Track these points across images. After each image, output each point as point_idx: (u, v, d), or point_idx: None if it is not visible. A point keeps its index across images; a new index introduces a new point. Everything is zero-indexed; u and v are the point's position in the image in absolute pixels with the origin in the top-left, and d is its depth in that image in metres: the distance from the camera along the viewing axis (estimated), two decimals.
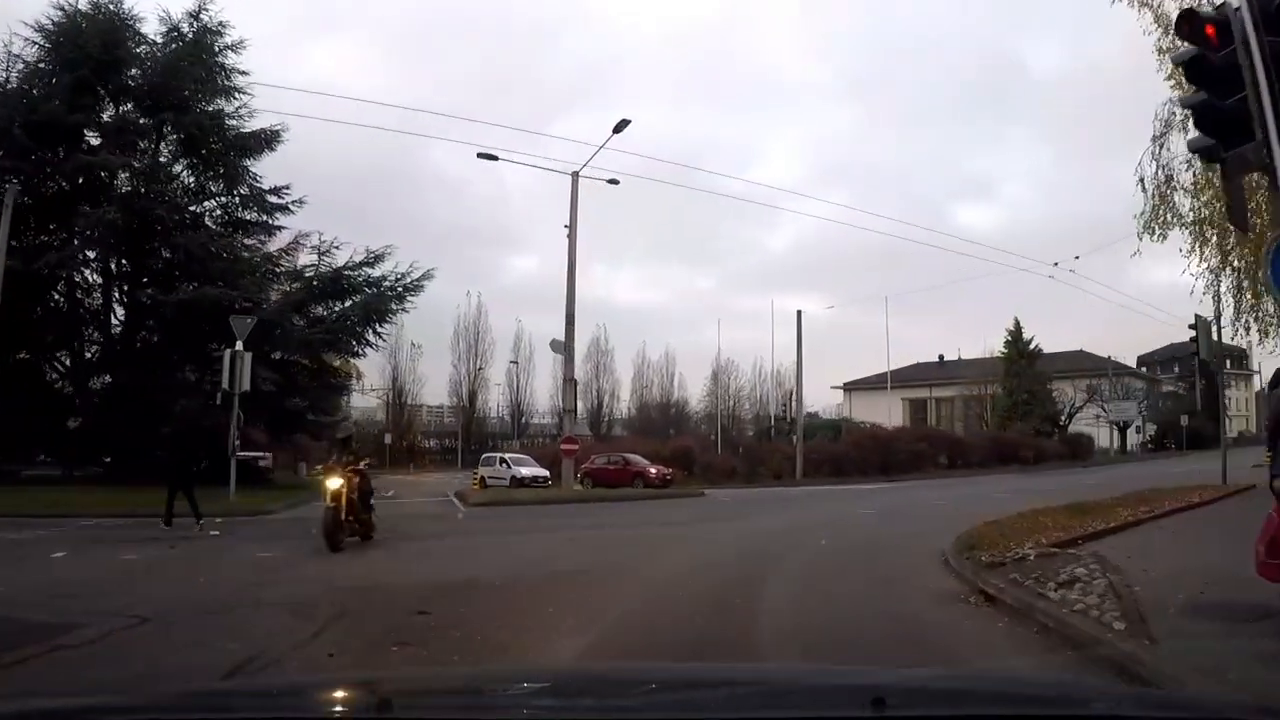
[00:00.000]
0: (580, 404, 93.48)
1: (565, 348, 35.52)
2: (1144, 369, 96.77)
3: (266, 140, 40.39)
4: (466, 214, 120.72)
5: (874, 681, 2.91)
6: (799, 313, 49.12)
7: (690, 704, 2.68)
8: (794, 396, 49.78)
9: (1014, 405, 71.31)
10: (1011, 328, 75.21)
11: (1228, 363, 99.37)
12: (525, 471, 44.75)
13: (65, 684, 5.56)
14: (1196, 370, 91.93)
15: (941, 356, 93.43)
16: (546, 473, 43.70)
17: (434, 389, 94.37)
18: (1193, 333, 29.48)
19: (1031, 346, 74.26)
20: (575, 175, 35.01)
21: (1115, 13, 24.52)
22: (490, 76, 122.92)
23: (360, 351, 44.81)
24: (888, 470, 47.55)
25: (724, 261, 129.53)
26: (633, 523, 22.57)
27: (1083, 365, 77.10)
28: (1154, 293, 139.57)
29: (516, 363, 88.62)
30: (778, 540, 17.01)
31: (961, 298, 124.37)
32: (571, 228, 35.41)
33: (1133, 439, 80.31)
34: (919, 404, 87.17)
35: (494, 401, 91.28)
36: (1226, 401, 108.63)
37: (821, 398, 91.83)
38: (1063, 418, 72.63)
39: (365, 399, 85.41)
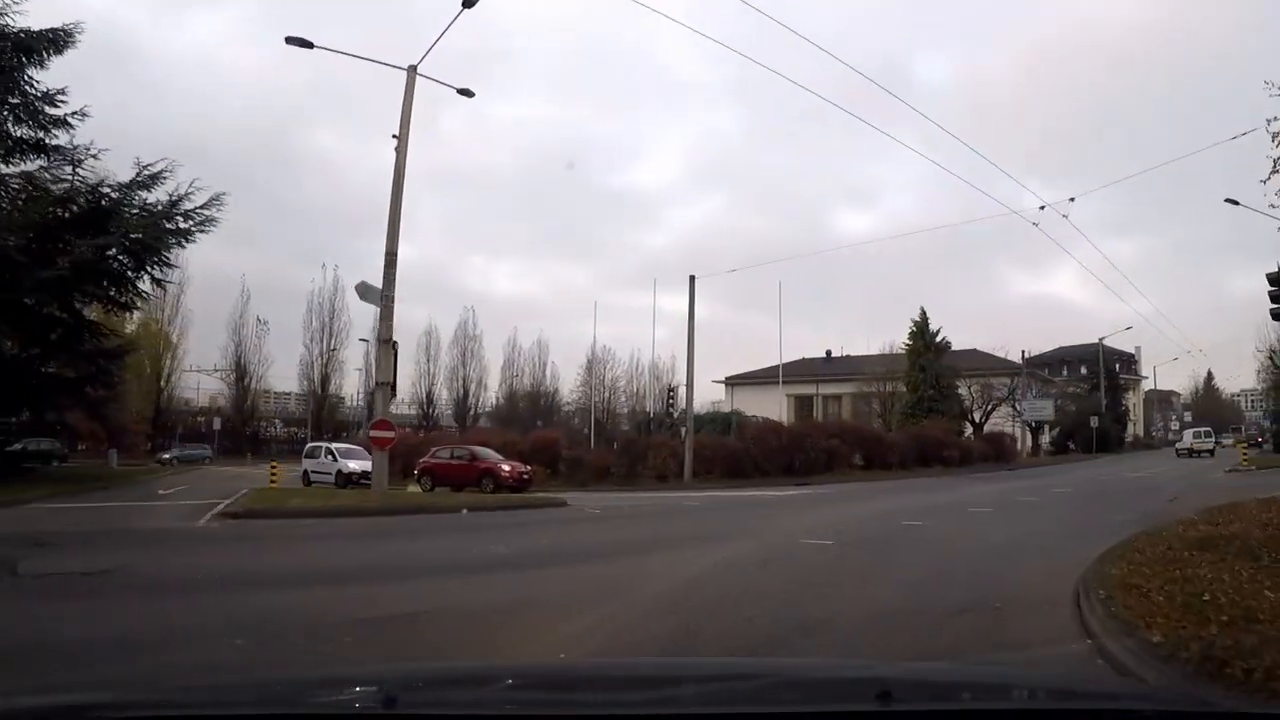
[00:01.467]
0: (445, 392, 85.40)
1: (382, 297, 25.89)
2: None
3: (53, 42, 30.94)
4: (344, 199, 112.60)
5: (880, 675, 2.98)
6: (692, 278, 40.54)
7: (696, 698, 2.67)
8: (688, 373, 40.84)
9: (919, 401, 64.05)
10: (918, 318, 67.89)
11: (1118, 366, 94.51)
12: (354, 466, 36.18)
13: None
14: (1101, 371, 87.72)
15: (829, 352, 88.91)
16: None
17: (286, 372, 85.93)
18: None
19: (939, 339, 66.98)
20: (412, 70, 25.94)
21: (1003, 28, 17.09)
22: (368, 63, 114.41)
23: (131, 301, 35.53)
24: (793, 471, 39.57)
25: (603, 257, 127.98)
26: (395, 570, 13.00)
27: (980, 365, 70.97)
28: (1038, 300, 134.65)
29: (367, 340, 78.45)
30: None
31: (845, 297, 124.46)
32: (402, 137, 26.06)
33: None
34: (805, 400, 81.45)
35: (351, 387, 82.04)
36: (1128, 406, 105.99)
37: (702, 393, 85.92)
38: (978, 416, 65.59)
39: (211, 380, 78.27)
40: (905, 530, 17.36)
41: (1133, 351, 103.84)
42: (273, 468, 37.84)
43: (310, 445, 43.89)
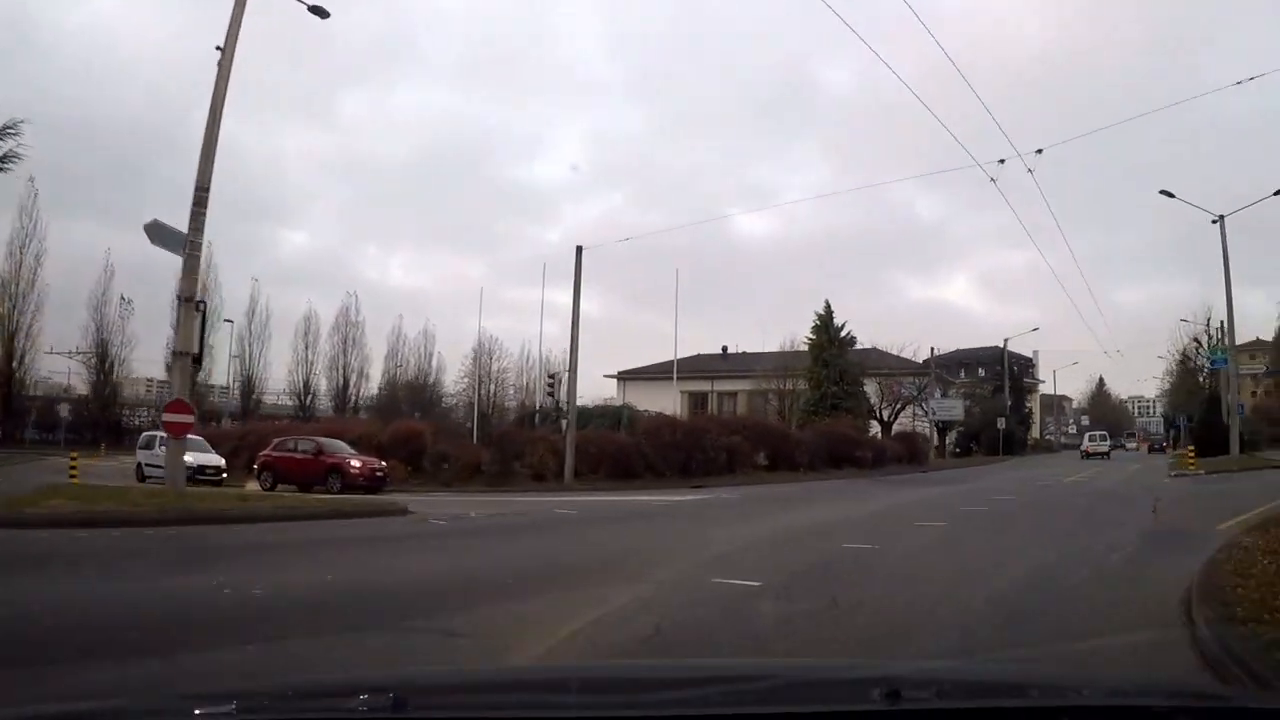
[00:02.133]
0: (324, 381, 79.84)
1: (185, 243, 20.10)
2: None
3: None
4: (239, 186, 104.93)
5: (888, 674, 3.04)
6: (578, 249, 35.37)
7: (706, 699, 2.68)
8: (571, 355, 35.55)
9: (822, 399, 59.88)
10: (821, 311, 63.58)
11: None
12: (192, 459, 30.20)
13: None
14: (1005, 373, 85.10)
15: (725, 348, 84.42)
16: (222, 461, 32.98)
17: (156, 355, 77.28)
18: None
19: (844, 333, 62.81)
20: None
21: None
22: (273, 48, 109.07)
23: None
24: (690, 471, 34.67)
25: (500, 250, 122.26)
26: None
27: (882, 364, 67.37)
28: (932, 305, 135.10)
29: (232, 321, 71.79)
30: None
31: (744, 297, 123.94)
32: (227, 50, 20.55)
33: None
34: (699, 397, 77.22)
35: (224, 375, 75.37)
36: (1030, 409, 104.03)
37: (592, 389, 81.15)
38: (886, 415, 61.61)
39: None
40: (854, 559, 12.43)
41: (1030, 356, 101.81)
42: (73, 458, 31.88)
43: (145, 435, 37.76)
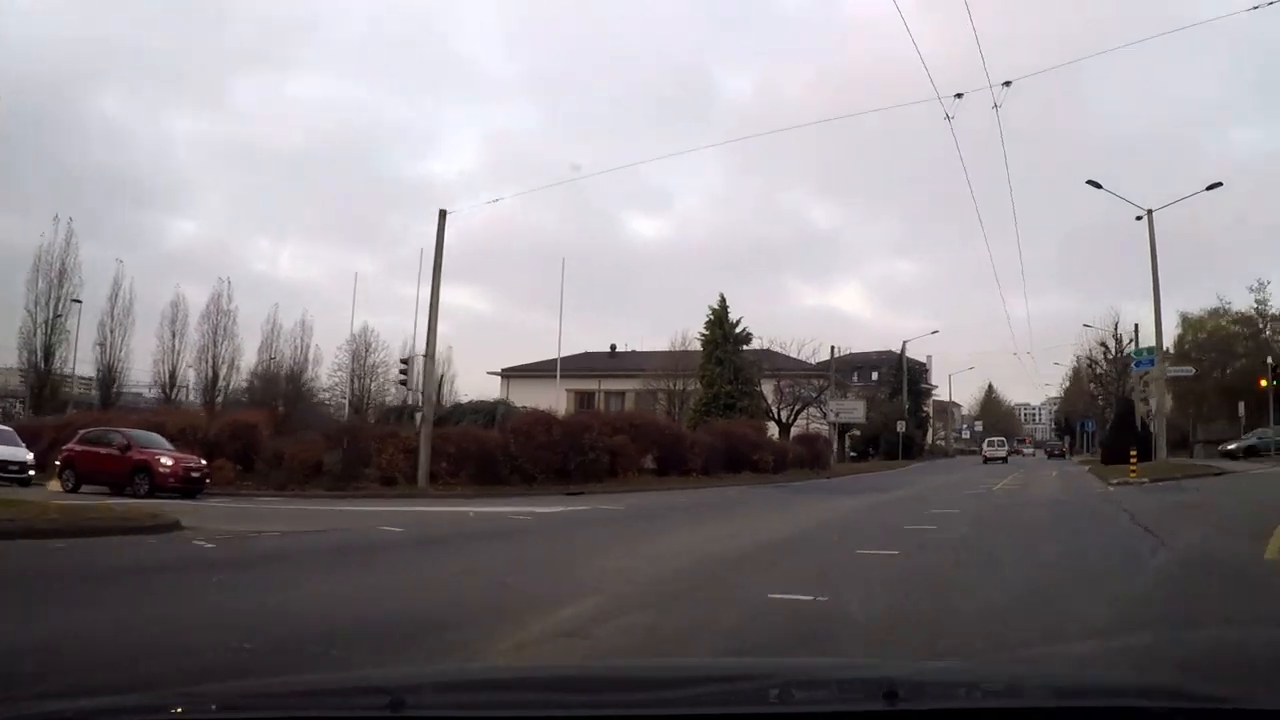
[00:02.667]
0: (192, 372, 73.47)
1: None
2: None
3: None
4: (122, 168, 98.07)
5: (887, 674, 3.00)
6: (442, 213, 30.17)
7: (703, 698, 2.68)
8: (429, 333, 30.47)
9: (715, 398, 55.54)
10: (716, 306, 59.13)
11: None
12: None
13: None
14: (904, 376, 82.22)
15: (614, 346, 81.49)
16: (30, 456, 28.22)
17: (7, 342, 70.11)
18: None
19: (740, 329, 58.44)
20: None
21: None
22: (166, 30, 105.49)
23: None
24: (568, 474, 29.76)
25: (391, 245, 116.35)
26: None
27: (778, 366, 63.56)
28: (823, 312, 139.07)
29: (80, 301, 63.96)
30: None
31: (636, 299, 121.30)
32: None
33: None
34: (586, 396, 73.10)
35: (87, 364, 68.01)
36: (928, 413, 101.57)
37: (477, 385, 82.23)
38: (785, 416, 57.48)
39: None
40: (800, 627, 7.54)
41: (925, 361, 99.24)
42: None
43: None
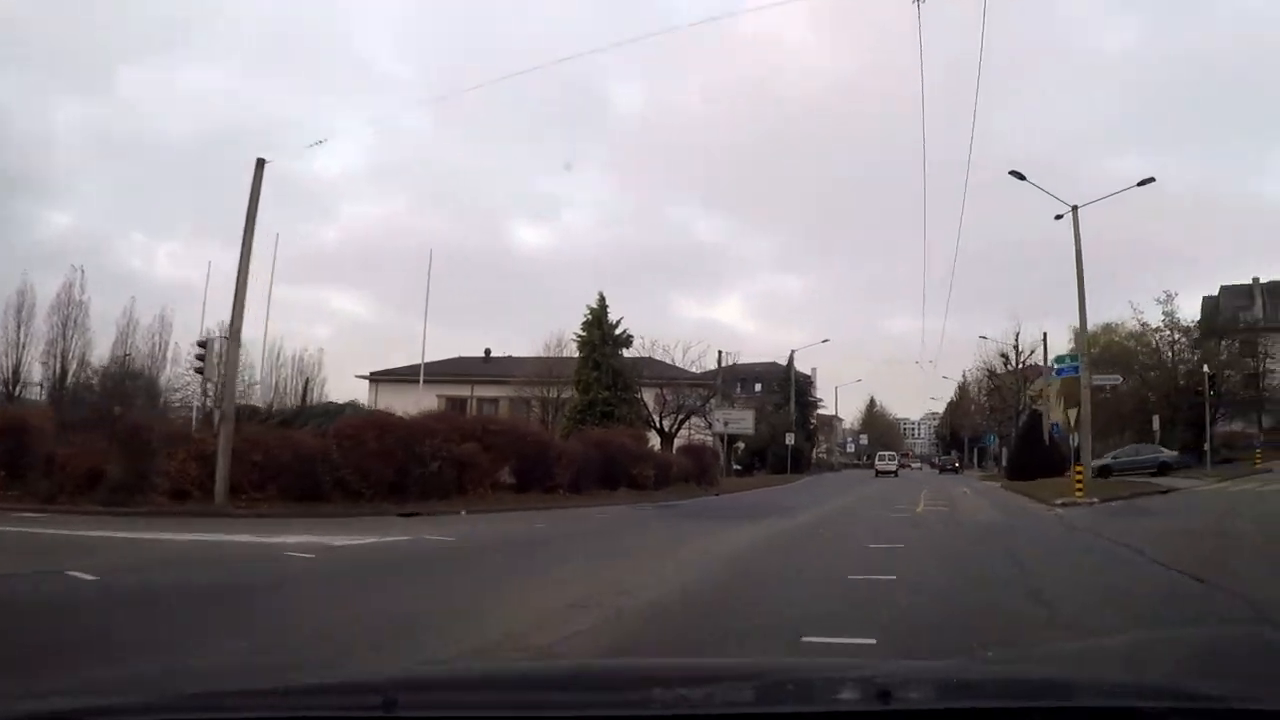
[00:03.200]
0: (40, 367, 65.58)
1: None
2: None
3: None
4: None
5: (880, 674, 2.95)
6: (259, 161, 24.05)
7: (695, 699, 2.65)
8: (234, 308, 24.57)
9: (591, 405, 50.25)
10: (595, 305, 53.73)
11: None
12: None
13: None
14: (791, 386, 77.95)
15: (488, 351, 75.32)
16: None
17: None
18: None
19: (620, 331, 53.16)
20: None
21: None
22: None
23: None
24: (404, 490, 24.01)
25: (269, 245, 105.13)
26: None
27: (659, 374, 58.76)
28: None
29: None
30: None
31: (517, 307, 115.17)
32: None
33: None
34: (458, 403, 67.53)
35: None
36: (816, 425, 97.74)
37: (346, 388, 78.34)
38: (667, 425, 52.34)
39: None
40: None
41: (810, 374, 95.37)
42: None
43: None
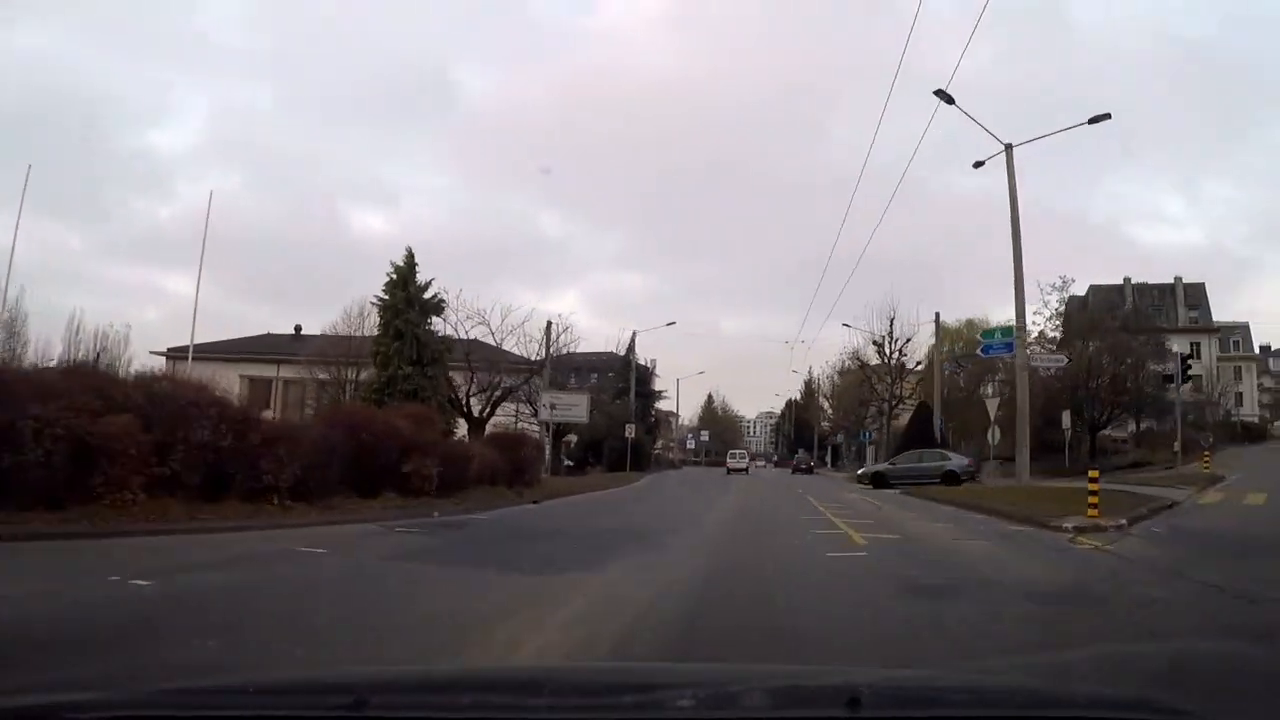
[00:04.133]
0: None
1: None
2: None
3: None
4: None
5: (851, 681, 2.87)
6: None
7: (663, 704, 2.64)
8: None
9: (390, 382, 39.71)
10: (402, 263, 42.67)
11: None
12: None
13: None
14: (632, 372, 68.49)
15: (299, 327, 64.97)
16: None
17: None
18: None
19: (431, 295, 42.34)
20: None
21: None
22: None
23: None
24: None
25: (103, 222, 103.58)
26: None
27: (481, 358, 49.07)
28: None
29: None
30: None
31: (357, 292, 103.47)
32: None
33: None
34: (263, 384, 59.42)
35: None
36: (659, 418, 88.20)
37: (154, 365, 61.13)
38: (479, 409, 41.93)
39: None
40: None
41: (649, 365, 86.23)
42: None
43: None
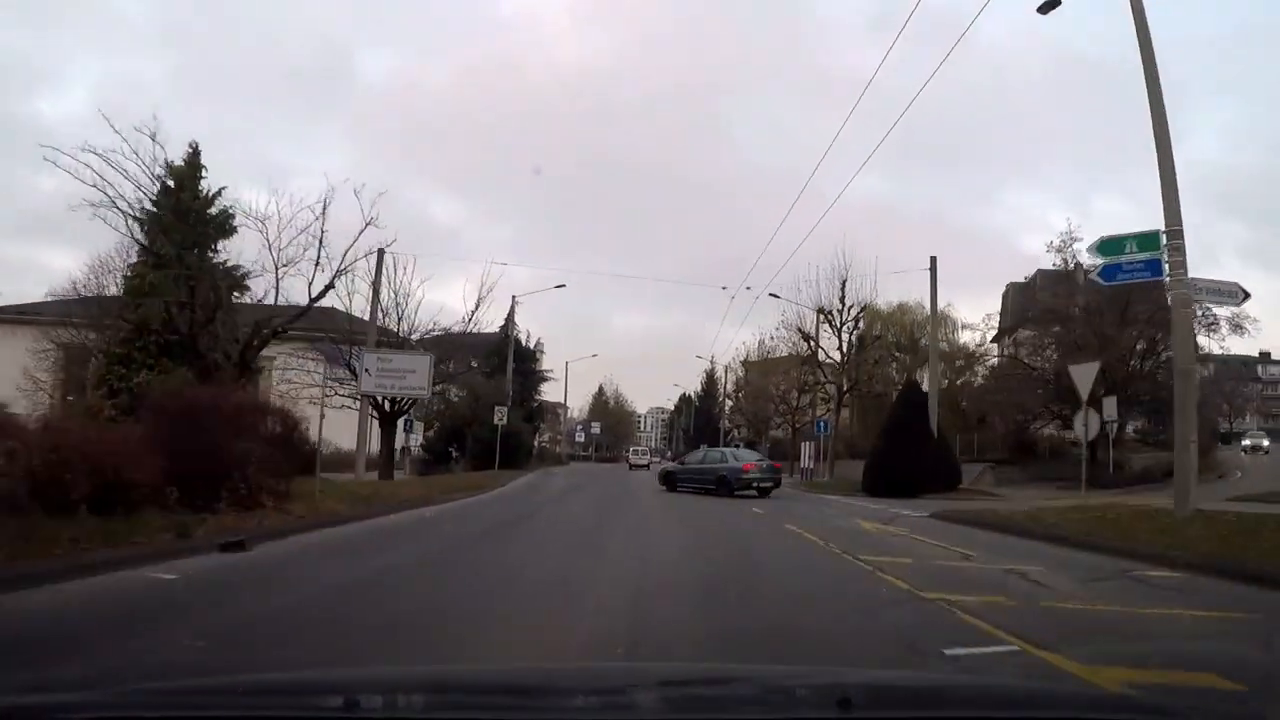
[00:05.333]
0: None
1: None
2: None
3: None
4: None
5: (841, 682, 2.86)
6: None
7: (655, 704, 2.61)
8: None
9: (143, 332, 26.10)
10: (183, 161, 28.04)
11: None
12: None
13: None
14: (510, 347, 54.64)
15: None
16: None
17: None
18: None
19: (217, 209, 27.95)
20: None
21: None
22: None
23: None
24: None
25: None
26: None
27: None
28: None
29: None
30: None
31: None
32: None
33: (405, 441, 38.68)
34: (79, 351, 42.41)
35: None
36: (541, 404, 73.39)
37: None
38: (254, 360, 27.73)
39: None
40: None
41: (534, 347, 72.17)
42: None
43: None
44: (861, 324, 44.09)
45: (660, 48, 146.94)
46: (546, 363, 71.79)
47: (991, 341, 64.37)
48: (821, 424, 40.48)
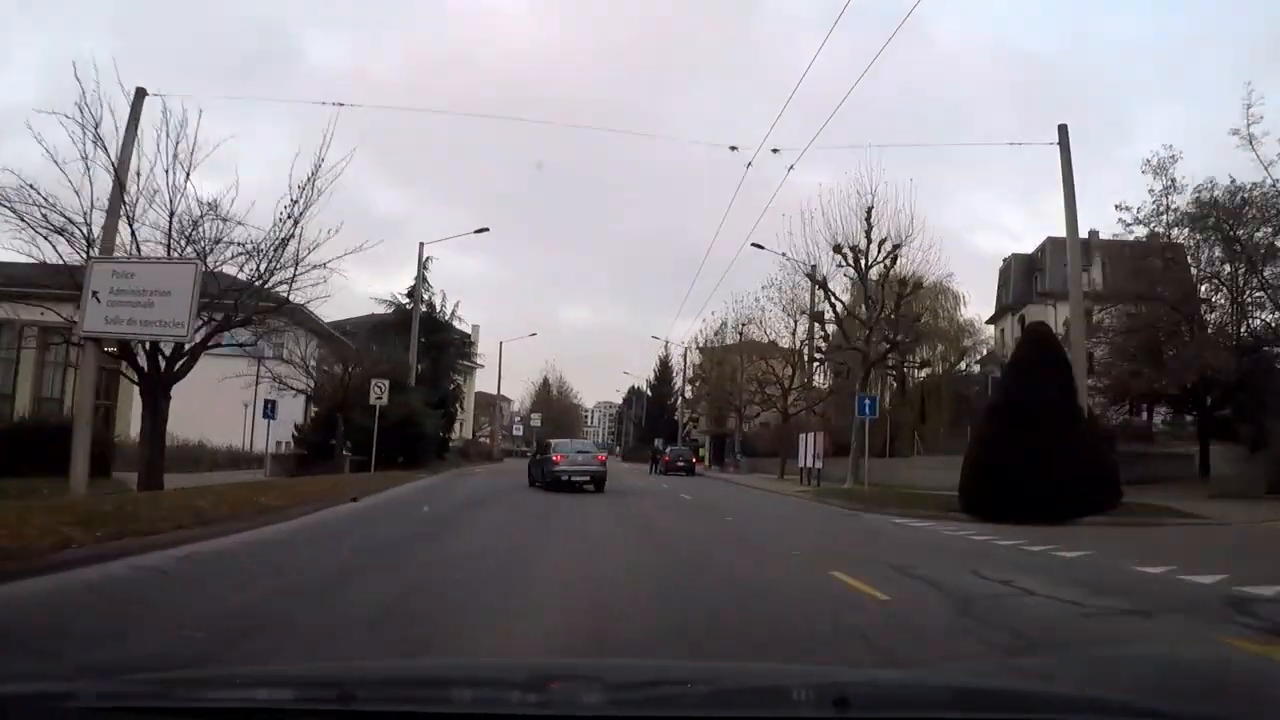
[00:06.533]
0: None
1: None
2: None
3: None
4: None
5: (838, 681, 2.84)
6: None
7: (651, 702, 2.48)
8: None
9: None
10: None
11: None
12: None
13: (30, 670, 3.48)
14: (416, 318, 42.07)
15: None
16: None
17: None
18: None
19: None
20: None
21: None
22: None
23: None
24: None
25: None
26: None
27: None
28: None
29: None
30: None
31: None
32: None
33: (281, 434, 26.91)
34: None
35: None
36: (462, 392, 61.82)
37: None
38: None
39: None
40: None
41: (470, 331, 60.31)
42: None
43: None
44: (899, 263, 31.05)
45: (609, 31, 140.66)
46: (484, 349, 60.68)
47: (987, 322, 54.21)
48: (865, 400, 26.94)
